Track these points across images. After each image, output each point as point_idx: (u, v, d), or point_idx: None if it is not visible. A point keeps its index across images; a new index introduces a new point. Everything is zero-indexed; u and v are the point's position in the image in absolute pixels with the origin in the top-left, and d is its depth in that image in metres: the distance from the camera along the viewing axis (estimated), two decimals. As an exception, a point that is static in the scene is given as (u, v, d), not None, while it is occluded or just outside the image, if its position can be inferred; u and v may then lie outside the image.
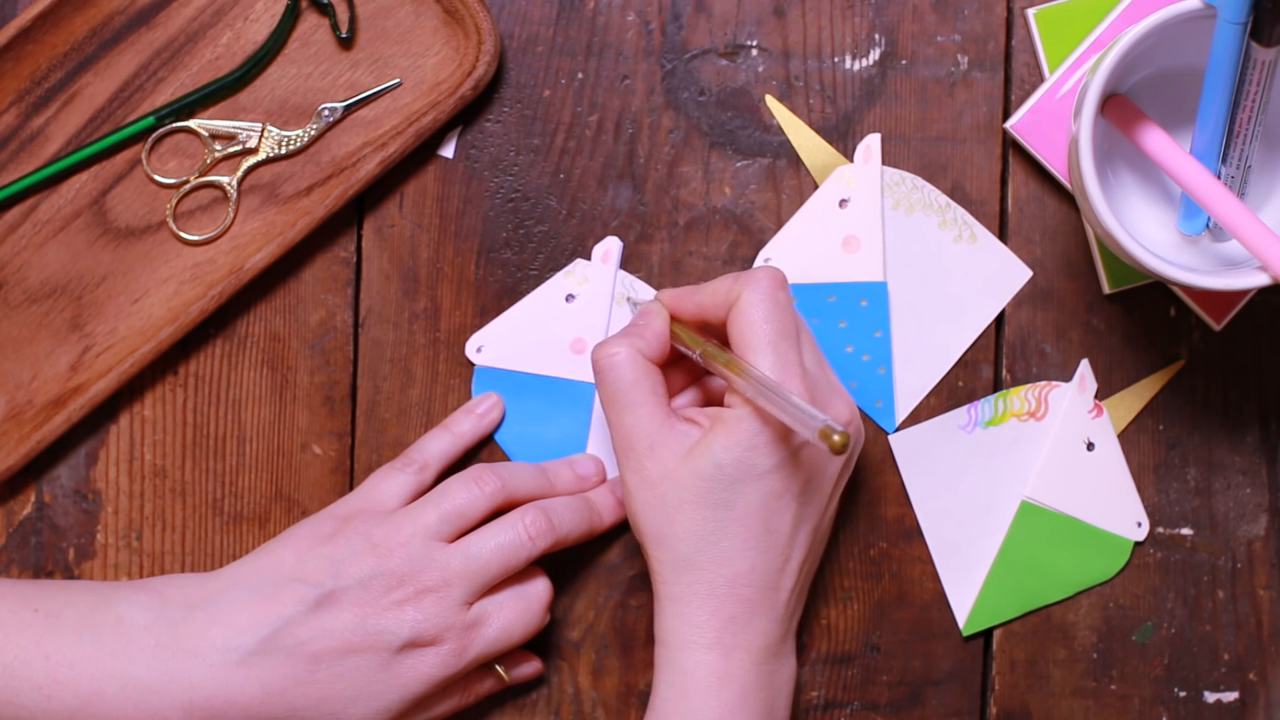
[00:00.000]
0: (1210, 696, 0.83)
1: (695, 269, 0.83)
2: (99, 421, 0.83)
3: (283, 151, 0.82)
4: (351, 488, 0.82)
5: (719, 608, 0.73)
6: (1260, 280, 0.72)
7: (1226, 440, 0.83)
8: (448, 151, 0.83)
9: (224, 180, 0.82)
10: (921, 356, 0.83)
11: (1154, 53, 0.75)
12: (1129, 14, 0.81)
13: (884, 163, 0.82)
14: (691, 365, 0.80)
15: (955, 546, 0.83)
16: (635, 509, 0.75)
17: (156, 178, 0.82)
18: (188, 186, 0.82)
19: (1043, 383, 0.83)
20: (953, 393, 0.83)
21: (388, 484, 0.80)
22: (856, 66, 0.83)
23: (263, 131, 0.82)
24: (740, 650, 0.74)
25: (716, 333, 0.76)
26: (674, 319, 0.77)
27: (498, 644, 0.77)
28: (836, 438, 0.65)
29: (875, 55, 0.83)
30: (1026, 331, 0.83)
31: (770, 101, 0.82)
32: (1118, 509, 0.83)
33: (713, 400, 0.80)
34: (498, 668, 0.80)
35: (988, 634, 0.84)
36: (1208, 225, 0.79)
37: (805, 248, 0.82)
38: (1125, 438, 0.83)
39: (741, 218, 0.83)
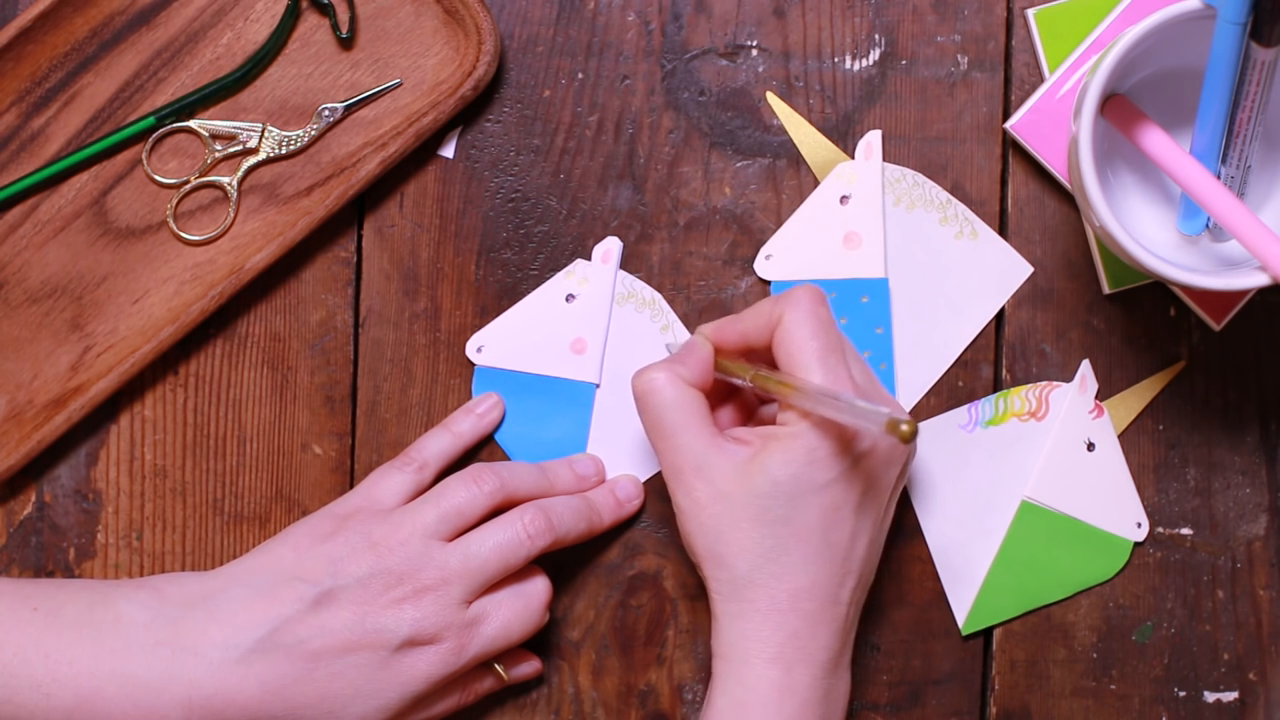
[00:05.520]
0: (1210, 696, 0.83)
1: (695, 269, 0.83)
2: (99, 421, 0.83)
3: (283, 151, 0.82)
4: (352, 488, 0.82)
5: (782, 623, 0.73)
6: (1260, 280, 0.72)
7: (1226, 440, 0.83)
8: (448, 151, 0.83)
9: (224, 180, 0.82)
10: (922, 353, 0.83)
11: (1154, 53, 0.75)
12: (1129, 14, 0.81)
13: (884, 161, 0.82)
14: (742, 403, 0.79)
15: (955, 546, 0.83)
16: (689, 530, 0.74)
17: (157, 178, 0.82)
18: (188, 186, 0.82)
19: (1044, 383, 0.83)
20: (952, 392, 0.83)
21: (387, 483, 0.80)
22: (856, 66, 0.83)
23: (263, 131, 0.82)
24: (802, 665, 0.73)
25: (762, 359, 0.76)
26: (719, 352, 0.77)
27: (497, 642, 0.77)
28: (905, 427, 0.65)
29: (875, 55, 0.83)
30: (1026, 331, 0.83)
31: (771, 99, 0.82)
32: (1118, 509, 0.83)
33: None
34: (497, 666, 0.80)
35: (988, 634, 0.84)
36: (1208, 225, 0.79)
37: (806, 244, 0.82)
38: (1125, 438, 0.83)
39: (741, 218, 0.83)
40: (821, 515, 0.72)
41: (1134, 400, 0.83)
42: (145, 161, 0.82)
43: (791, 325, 0.73)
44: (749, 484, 0.72)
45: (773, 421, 0.77)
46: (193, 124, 0.82)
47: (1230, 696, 0.83)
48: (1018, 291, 0.83)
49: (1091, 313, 0.83)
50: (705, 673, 0.83)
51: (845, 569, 0.74)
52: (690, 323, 0.83)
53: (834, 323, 0.74)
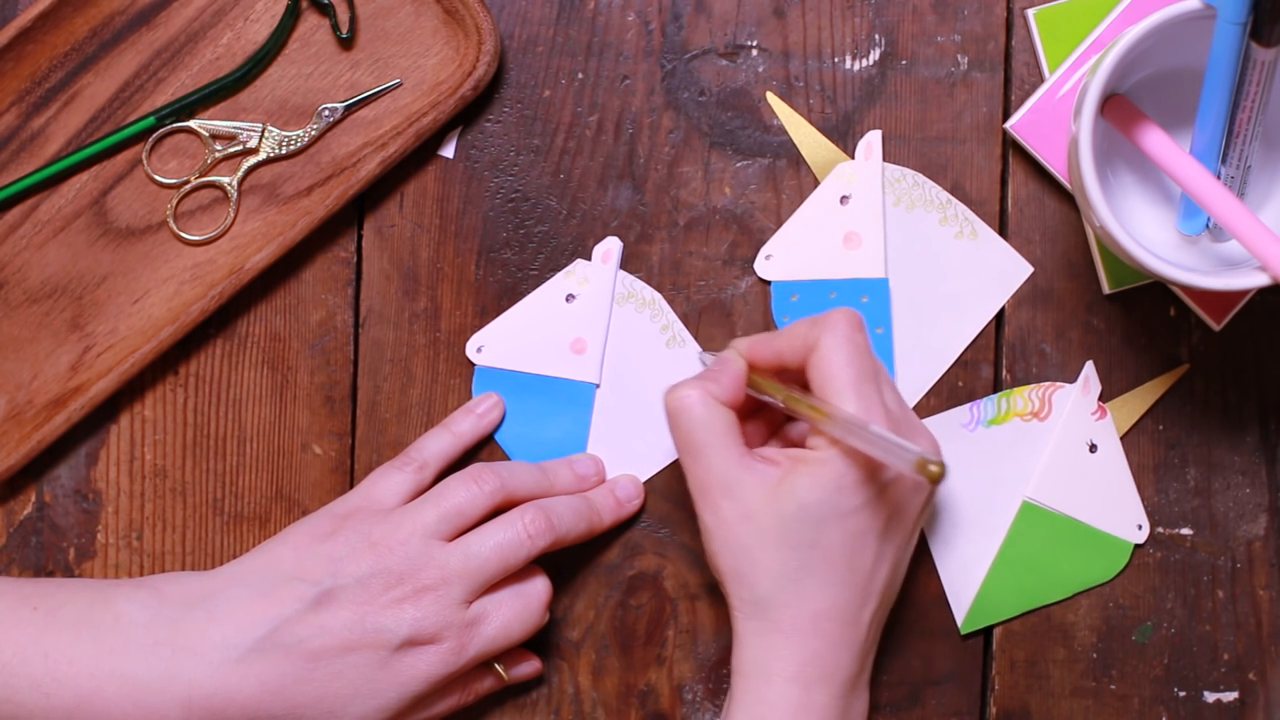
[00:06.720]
0: (1210, 696, 0.83)
1: (695, 269, 0.83)
2: (99, 421, 0.83)
3: (283, 151, 0.82)
4: (352, 488, 0.82)
5: (803, 643, 0.73)
6: (1260, 280, 0.72)
7: (1226, 440, 0.83)
8: (448, 151, 0.83)
9: (224, 180, 0.82)
10: (922, 353, 0.83)
11: (1154, 53, 0.75)
12: (1129, 14, 0.81)
13: (884, 161, 0.82)
14: (769, 418, 0.79)
15: (955, 545, 0.83)
16: (714, 548, 0.74)
17: (157, 178, 0.82)
18: (188, 187, 0.82)
19: (1047, 383, 0.83)
20: (952, 393, 0.83)
21: (387, 483, 0.80)
22: (856, 67, 0.83)
23: (263, 131, 0.82)
24: (822, 684, 0.73)
25: (795, 378, 0.76)
26: (752, 368, 0.77)
27: (497, 642, 0.77)
28: (933, 468, 0.65)
29: (875, 55, 0.83)
30: (1026, 331, 0.83)
31: (771, 99, 0.82)
32: (1119, 511, 0.83)
33: (792, 447, 0.79)
34: (497, 666, 0.80)
35: (988, 634, 0.84)
36: (1208, 225, 0.79)
37: (807, 244, 0.82)
38: (1125, 438, 0.83)
39: (741, 218, 0.83)
40: (846, 540, 0.72)
41: (1137, 402, 0.83)
42: (145, 161, 0.82)
43: (827, 350, 0.73)
44: (776, 506, 0.72)
45: (800, 439, 0.77)
46: (193, 124, 0.82)
47: (1230, 696, 0.83)
48: (1018, 291, 0.83)
49: (1091, 313, 0.83)
50: (705, 673, 0.83)
51: (867, 593, 0.74)
52: (690, 323, 0.83)
53: (870, 349, 0.74)
